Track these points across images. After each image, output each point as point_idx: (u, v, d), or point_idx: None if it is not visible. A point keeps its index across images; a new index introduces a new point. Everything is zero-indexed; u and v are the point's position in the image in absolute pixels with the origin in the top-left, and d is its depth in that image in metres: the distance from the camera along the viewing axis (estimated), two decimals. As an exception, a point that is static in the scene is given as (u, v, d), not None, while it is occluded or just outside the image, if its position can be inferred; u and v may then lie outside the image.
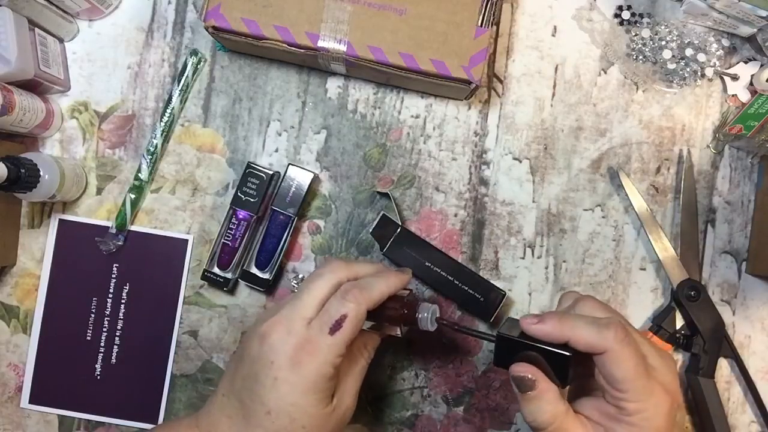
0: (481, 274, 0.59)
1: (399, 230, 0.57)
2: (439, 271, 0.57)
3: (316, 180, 0.58)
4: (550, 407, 0.42)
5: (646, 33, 0.59)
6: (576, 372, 0.43)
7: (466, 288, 0.57)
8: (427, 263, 0.57)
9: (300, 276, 0.56)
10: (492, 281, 0.58)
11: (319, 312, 0.45)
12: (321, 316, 0.44)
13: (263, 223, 0.58)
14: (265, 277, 0.57)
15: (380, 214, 0.57)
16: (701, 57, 0.59)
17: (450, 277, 0.57)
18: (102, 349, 0.59)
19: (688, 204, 0.59)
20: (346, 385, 0.47)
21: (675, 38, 0.59)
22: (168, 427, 0.50)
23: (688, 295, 0.57)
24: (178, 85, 0.58)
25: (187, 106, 0.59)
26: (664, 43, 0.59)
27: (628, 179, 0.58)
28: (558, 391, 0.42)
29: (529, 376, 0.42)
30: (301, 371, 0.43)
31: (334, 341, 0.44)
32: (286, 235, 0.57)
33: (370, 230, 0.57)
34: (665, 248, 0.58)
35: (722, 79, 0.60)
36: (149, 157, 0.58)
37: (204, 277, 0.57)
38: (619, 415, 0.41)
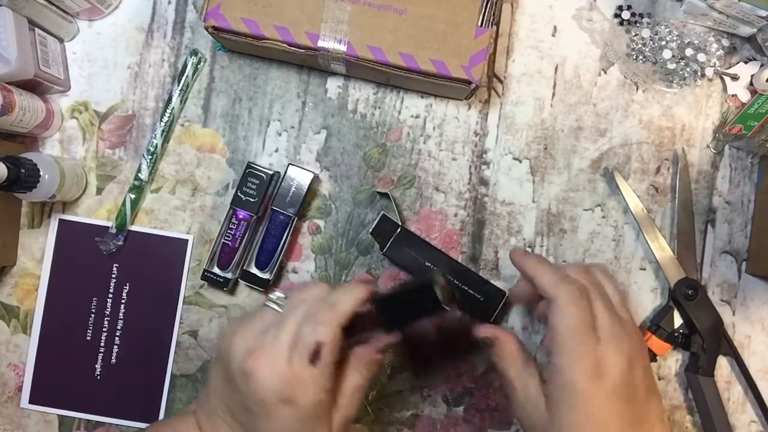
0: (481, 274, 0.59)
1: (399, 230, 0.57)
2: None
3: (316, 180, 0.58)
4: (513, 349, 0.49)
5: (646, 33, 0.59)
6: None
7: (466, 288, 0.57)
8: (427, 263, 0.57)
9: (281, 295, 0.49)
10: (492, 281, 0.58)
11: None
12: (298, 347, 0.43)
13: (263, 223, 0.58)
14: (265, 277, 0.57)
15: (380, 214, 0.57)
16: (701, 57, 0.59)
17: (450, 278, 0.57)
18: (102, 349, 0.59)
19: (684, 203, 0.59)
20: (345, 401, 0.46)
21: (675, 38, 0.59)
22: (171, 426, 0.49)
23: (685, 294, 0.57)
24: (178, 85, 0.58)
25: (187, 106, 0.59)
26: (664, 43, 0.59)
27: (623, 179, 0.58)
28: (516, 339, 0.50)
29: (489, 335, 0.50)
30: (294, 406, 0.43)
31: (318, 371, 0.43)
32: (286, 235, 0.57)
33: (370, 230, 0.57)
34: (662, 248, 0.58)
35: (722, 79, 0.60)
36: (149, 157, 0.58)
37: (204, 277, 0.57)
38: (552, 374, 0.45)
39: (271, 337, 0.44)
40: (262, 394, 0.43)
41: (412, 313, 0.47)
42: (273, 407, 0.43)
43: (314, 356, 0.43)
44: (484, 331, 0.50)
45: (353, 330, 0.46)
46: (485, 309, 0.57)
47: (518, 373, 0.48)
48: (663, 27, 0.60)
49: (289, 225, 0.57)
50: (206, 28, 0.53)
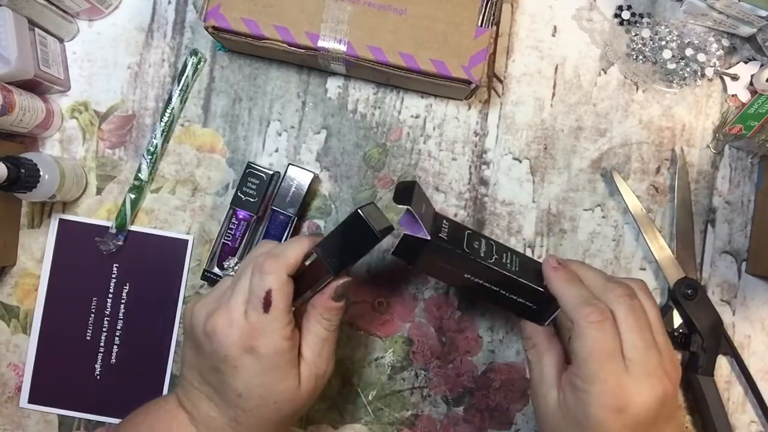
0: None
1: (428, 244, 0.46)
2: (481, 282, 0.48)
3: (316, 180, 0.58)
4: (531, 328, 0.49)
5: (646, 33, 0.60)
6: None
7: (515, 297, 0.49)
8: (466, 275, 0.48)
9: (237, 261, 0.50)
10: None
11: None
12: (250, 299, 0.45)
13: (263, 223, 0.58)
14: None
15: (401, 235, 0.47)
16: (701, 57, 0.59)
17: (495, 288, 0.48)
18: (102, 349, 0.59)
19: (683, 202, 0.59)
20: (311, 353, 0.47)
21: (675, 38, 0.60)
22: (155, 404, 0.50)
23: (685, 294, 0.57)
24: (178, 85, 0.58)
25: (187, 106, 0.59)
26: (664, 43, 0.59)
27: (621, 180, 0.58)
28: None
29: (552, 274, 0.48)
30: (256, 355, 0.44)
31: (273, 317, 0.44)
32: (286, 235, 0.57)
33: (392, 252, 0.48)
34: (662, 248, 0.58)
35: (722, 79, 0.60)
36: (149, 157, 0.58)
37: (204, 277, 0.57)
38: (573, 391, 0.44)
39: (226, 297, 0.46)
40: (225, 349, 0.44)
41: (353, 249, 0.46)
42: (237, 360, 0.44)
43: (266, 304, 0.44)
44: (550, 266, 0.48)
45: (305, 287, 0.47)
46: (538, 315, 0.49)
47: (537, 352, 0.48)
48: (663, 27, 0.60)
49: (289, 225, 0.57)
50: (206, 28, 0.53)
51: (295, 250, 0.46)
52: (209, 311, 0.46)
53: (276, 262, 0.45)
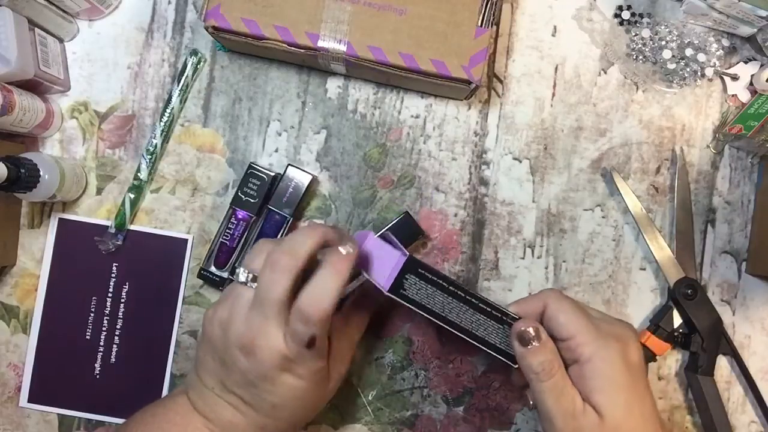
0: (481, 274, 0.59)
1: (407, 261, 0.46)
2: (458, 322, 0.48)
3: (314, 182, 0.58)
4: (549, 355, 0.47)
5: (646, 33, 0.60)
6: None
7: (491, 345, 0.49)
8: (445, 309, 0.48)
9: (246, 272, 0.46)
10: (492, 281, 0.58)
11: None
12: (293, 335, 0.43)
13: (259, 222, 0.57)
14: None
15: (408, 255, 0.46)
16: (701, 57, 0.59)
17: (471, 315, 0.48)
18: (101, 349, 0.59)
19: (683, 202, 0.59)
20: (339, 356, 0.50)
21: (675, 38, 0.59)
22: (163, 407, 0.49)
23: (684, 294, 0.57)
24: (178, 85, 0.58)
25: (187, 106, 0.59)
26: (664, 43, 0.59)
27: (621, 180, 0.58)
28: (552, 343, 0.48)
29: (531, 330, 0.47)
30: (295, 375, 0.45)
31: (313, 351, 0.44)
32: (280, 235, 0.57)
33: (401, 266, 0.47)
34: (661, 247, 0.58)
35: (722, 79, 0.60)
36: (149, 156, 0.58)
37: (200, 276, 0.57)
38: (581, 370, 0.46)
39: (259, 317, 0.43)
40: (264, 369, 0.44)
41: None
42: (275, 379, 0.45)
43: (310, 344, 0.43)
44: (524, 324, 0.47)
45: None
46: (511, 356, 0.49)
47: (556, 384, 0.46)
48: (663, 27, 0.60)
49: (284, 225, 0.57)
50: (206, 28, 0.53)
51: (336, 282, 0.43)
52: (241, 332, 0.44)
53: (320, 309, 0.42)
